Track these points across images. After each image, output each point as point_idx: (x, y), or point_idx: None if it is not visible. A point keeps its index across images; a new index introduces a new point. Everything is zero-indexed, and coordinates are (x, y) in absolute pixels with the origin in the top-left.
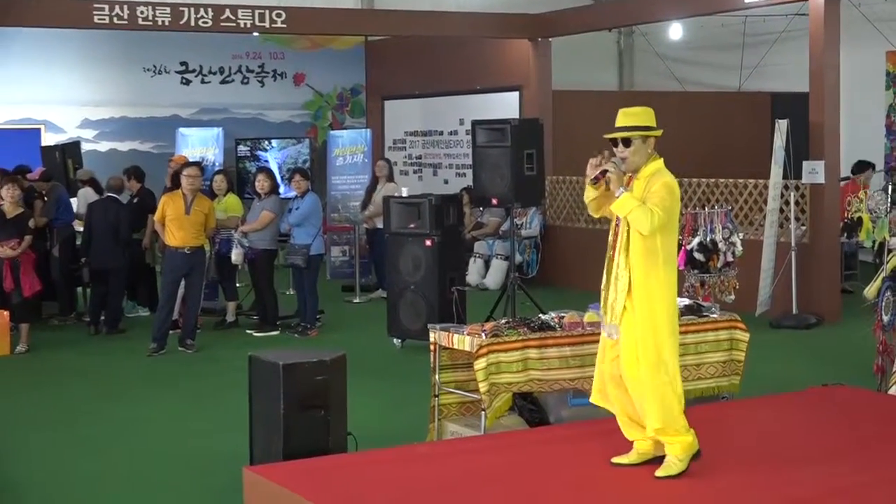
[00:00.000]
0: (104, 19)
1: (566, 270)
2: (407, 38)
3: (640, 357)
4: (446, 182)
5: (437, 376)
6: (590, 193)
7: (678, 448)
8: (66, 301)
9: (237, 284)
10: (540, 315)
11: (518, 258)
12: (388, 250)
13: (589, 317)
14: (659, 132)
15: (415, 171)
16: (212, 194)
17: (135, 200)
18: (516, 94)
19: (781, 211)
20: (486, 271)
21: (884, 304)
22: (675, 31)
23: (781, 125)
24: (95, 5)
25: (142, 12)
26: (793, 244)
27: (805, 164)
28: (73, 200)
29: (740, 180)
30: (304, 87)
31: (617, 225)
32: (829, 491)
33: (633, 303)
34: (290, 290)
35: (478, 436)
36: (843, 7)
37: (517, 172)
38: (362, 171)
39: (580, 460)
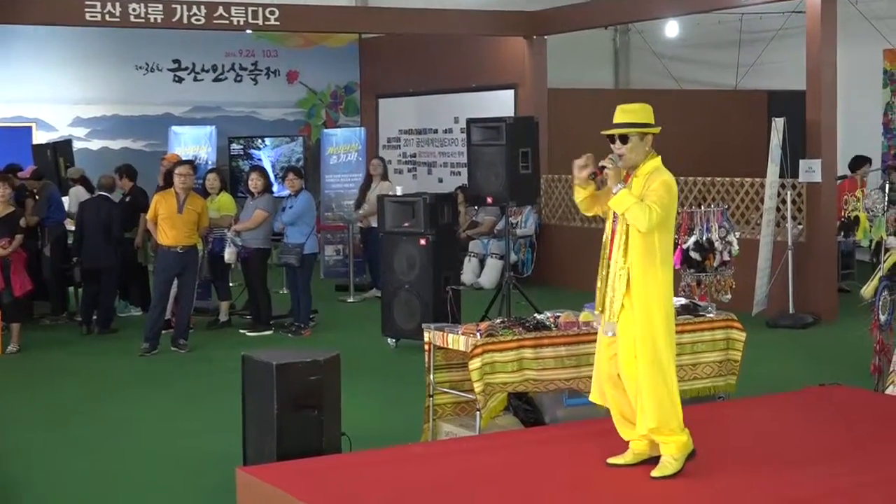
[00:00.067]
0: (96, 17)
1: (561, 270)
2: (401, 36)
3: (638, 355)
4: (441, 181)
5: (431, 376)
6: (579, 194)
7: (673, 448)
8: (57, 300)
9: (230, 284)
10: (535, 314)
11: (513, 257)
12: (383, 249)
13: (584, 316)
14: (657, 129)
15: (409, 170)
16: (205, 193)
17: (127, 199)
18: (511, 92)
19: (778, 210)
20: (480, 270)
21: (881, 303)
22: (672, 28)
23: (778, 123)
24: (87, 3)
25: (134, 10)
26: (789, 243)
27: (802, 162)
28: (65, 199)
29: (737, 179)
30: (297, 84)
31: (614, 222)
32: (826, 491)
33: (631, 301)
34: (283, 290)
35: (473, 436)
36: (841, 4)
37: (512, 171)
38: (356, 170)
39: (575, 461)
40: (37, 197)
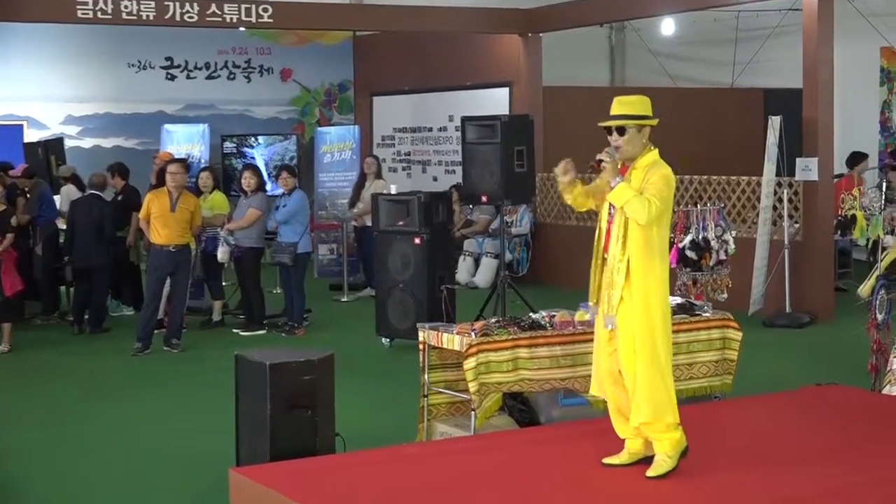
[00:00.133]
0: (88, 14)
1: (557, 269)
2: (396, 34)
3: (637, 349)
4: (435, 179)
5: (426, 376)
6: (566, 197)
7: (667, 445)
8: (49, 300)
9: (223, 283)
10: (530, 314)
11: (508, 256)
12: (377, 248)
13: (580, 315)
14: (654, 122)
15: (404, 168)
16: (197, 191)
17: (119, 198)
18: (506, 90)
19: (775, 208)
20: (475, 269)
21: (878, 302)
22: (668, 26)
23: (774, 122)
24: (79, 0)
25: (126, 7)
26: (786, 242)
27: (798, 161)
28: (56, 198)
29: (733, 177)
30: (291, 82)
31: (610, 214)
32: (822, 491)
33: (630, 293)
34: (276, 289)
35: (467, 436)
36: (837, 2)
37: (507, 169)
38: (350, 168)
39: (571, 461)
40: (28, 195)
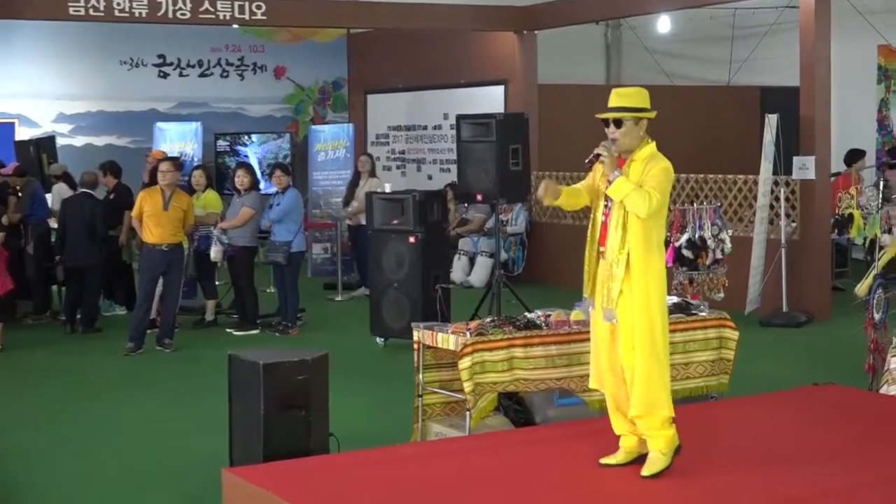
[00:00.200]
0: (80, 11)
1: (552, 268)
2: (390, 31)
3: (636, 342)
4: (430, 178)
5: (420, 376)
6: (555, 203)
7: (661, 442)
8: (40, 299)
9: (216, 282)
10: (526, 313)
11: (503, 255)
12: (371, 247)
13: (575, 315)
14: (652, 114)
15: (398, 167)
16: (190, 190)
17: (111, 196)
18: (501, 87)
19: (771, 207)
20: (470, 269)
21: (875, 301)
22: (664, 23)
23: (771, 120)
24: None
25: (118, 4)
26: (783, 241)
27: (795, 159)
28: (48, 196)
29: (729, 176)
30: (284, 80)
31: (606, 207)
32: (820, 491)
33: (630, 287)
34: (270, 288)
35: (463, 436)
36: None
37: (502, 168)
38: (344, 167)
39: (567, 461)
40: (20, 194)
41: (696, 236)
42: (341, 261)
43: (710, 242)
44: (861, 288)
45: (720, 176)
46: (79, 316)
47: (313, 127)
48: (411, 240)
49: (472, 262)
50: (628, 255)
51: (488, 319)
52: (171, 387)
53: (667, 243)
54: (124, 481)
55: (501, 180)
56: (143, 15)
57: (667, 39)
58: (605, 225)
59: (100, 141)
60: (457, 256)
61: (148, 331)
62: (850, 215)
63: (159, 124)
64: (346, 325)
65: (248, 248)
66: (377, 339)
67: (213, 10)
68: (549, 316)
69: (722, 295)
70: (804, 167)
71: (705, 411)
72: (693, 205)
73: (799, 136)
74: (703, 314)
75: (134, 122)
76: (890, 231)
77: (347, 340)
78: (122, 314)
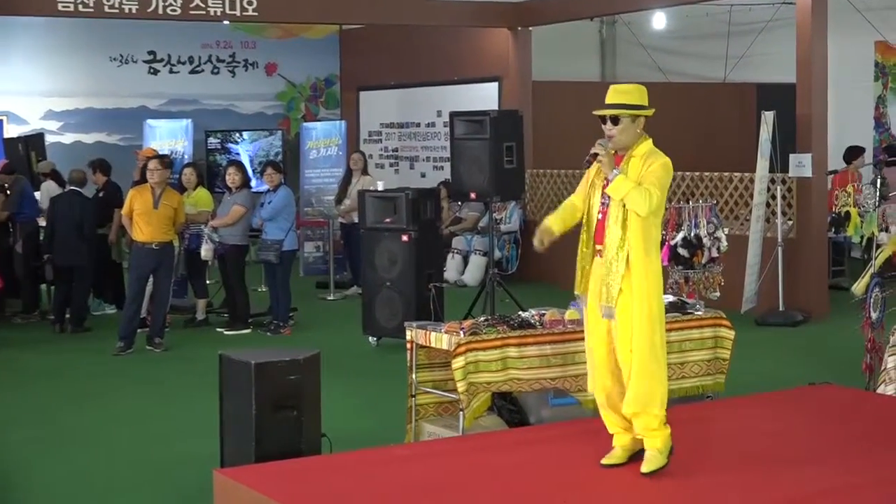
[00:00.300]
0: (69, 7)
1: (547, 266)
2: (383, 27)
3: (635, 341)
4: (423, 175)
5: (413, 376)
6: (556, 235)
7: (658, 441)
8: (29, 298)
9: (207, 281)
10: (520, 312)
11: (497, 254)
12: (364, 246)
13: (570, 314)
14: (650, 111)
15: (391, 165)
16: (181, 188)
17: (100, 194)
18: (495, 84)
19: (768, 205)
20: (464, 267)
21: (872, 300)
22: (659, 20)
23: (768, 117)
24: None
25: (108, 0)
26: (779, 239)
27: (792, 157)
28: (37, 194)
29: (725, 174)
30: (276, 77)
31: (603, 204)
32: (817, 491)
33: (630, 285)
34: (261, 287)
35: (456, 437)
36: None
37: (496, 165)
38: (336, 165)
39: (562, 461)
40: (8, 192)
41: (692, 234)
42: (333, 259)
43: (705, 241)
44: (858, 287)
45: (716, 173)
46: (68, 315)
47: (305, 124)
48: (404, 238)
49: (465, 260)
50: (628, 253)
51: (482, 318)
52: (161, 387)
53: (662, 242)
54: (114, 483)
55: (495, 178)
56: (133, 11)
57: (662, 36)
58: (601, 222)
59: (89, 138)
60: (450, 255)
61: (138, 330)
62: (847, 213)
63: (149, 121)
64: (338, 325)
65: (239, 247)
66: (370, 338)
67: (203, 5)
68: (544, 315)
69: (718, 294)
70: (801, 165)
71: (701, 411)
72: (689, 203)
73: (795, 133)
74: (699, 313)
75: (124, 119)
76: (887, 229)
77: (340, 340)
78: (111, 313)
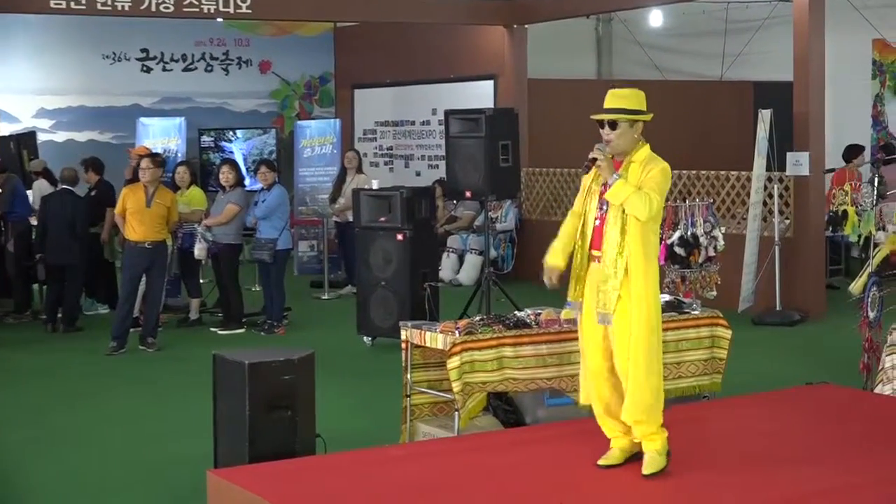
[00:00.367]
0: (61, 4)
1: (542, 266)
2: (378, 25)
3: (635, 348)
4: (418, 174)
5: (408, 375)
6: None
7: (658, 443)
8: (21, 298)
9: (201, 280)
10: (515, 312)
11: (493, 253)
12: (358, 245)
13: (566, 314)
14: (648, 116)
15: (386, 163)
16: (174, 187)
17: (93, 193)
18: (491, 82)
19: (765, 204)
20: (459, 267)
21: (870, 300)
22: (656, 17)
23: (765, 115)
24: None
25: None
26: (776, 238)
27: (789, 155)
28: (29, 192)
29: (722, 172)
30: (270, 75)
31: (601, 209)
32: (814, 491)
33: (629, 292)
34: (255, 287)
35: (451, 437)
36: None
37: (492, 164)
38: (331, 163)
39: (558, 461)
40: (0, 190)
41: (689, 233)
42: (328, 258)
43: (702, 240)
44: (855, 286)
45: (713, 172)
46: (60, 315)
47: (299, 122)
48: (399, 237)
49: (461, 259)
50: (627, 259)
51: (477, 318)
52: (154, 387)
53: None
54: (107, 483)
55: (491, 177)
56: (126, 8)
57: (659, 34)
58: (598, 229)
59: (81, 137)
60: (445, 254)
61: (131, 330)
62: (845, 212)
63: (142, 120)
64: (332, 324)
65: (232, 246)
66: (364, 338)
67: (197, 3)
68: (540, 314)
69: (714, 293)
70: (798, 163)
71: (697, 411)
72: (685, 201)
73: (793, 131)
74: (696, 313)
75: (116, 117)
76: (884, 228)
77: (334, 340)
78: (104, 313)
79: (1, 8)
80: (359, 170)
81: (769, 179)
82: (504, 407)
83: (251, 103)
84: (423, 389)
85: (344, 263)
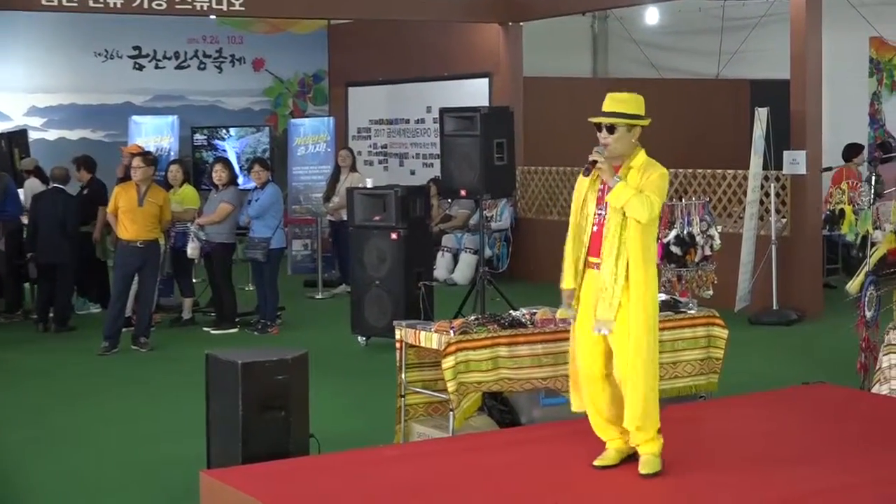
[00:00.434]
0: (52, 1)
1: (538, 265)
2: (372, 22)
3: (636, 354)
4: (413, 173)
5: (403, 375)
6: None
7: (656, 446)
8: (12, 297)
9: (193, 280)
10: (510, 311)
11: (488, 252)
12: (352, 244)
13: (561, 313)
14: (646, 122)
15: (380, 161)
16: (167, 185)
17: (85, 192)
18: (486, 80)
19: (761, 203)
20: (454, 266)
21: (867, 299)
22: (652, 15)
23: (761, 113)
24: None
25: None
26: (773, 237)
27: (786, 154)
28: (20, 191)
29: (718, 171)
30: (263, 72)
31: (598, 215)
32: (811, 492)
33: (629, 298)
34: (249, 286)
35: (446, 437)
36: None
37: (487, 162)
38: (325, 161)
39: (553, 462)
40: None
41: (685, 232)
42: (322, 258)
43: (698, 239)
44: (852, 285)
45: (709, 171)
46: (51, 314)
47: (293, 120)
48: (393, 236)
49: (455, 258)
50: (627, 265)
51: (472, 318)
52: (147, 387)
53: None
54: (99, 484)
55: (486, 175)
56: (118, 5)
57: (655, 31)
58: (596, 235)
59: (73, 135)
60: (440, 253)
61: (123, 330)
62: (842, 211)
63: (135, 118)
64: (326, 324)
65: (226, 245)
66: (359, 337)
67: (189, 0)
68: (535, 314)
69: (711, 292)
70: (795, 162)
71: (694, 411)
72: (682, 200)
73: (790, 130)
74: (692, 312)
75: (108, 115)
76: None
77: (328, 339)
78: (96, 312)
79: None
80: (353, 168)
81: (766, 178)
82: (499, 407)
83: (244, 101)
84: (418, 389)
85: (338, 262)
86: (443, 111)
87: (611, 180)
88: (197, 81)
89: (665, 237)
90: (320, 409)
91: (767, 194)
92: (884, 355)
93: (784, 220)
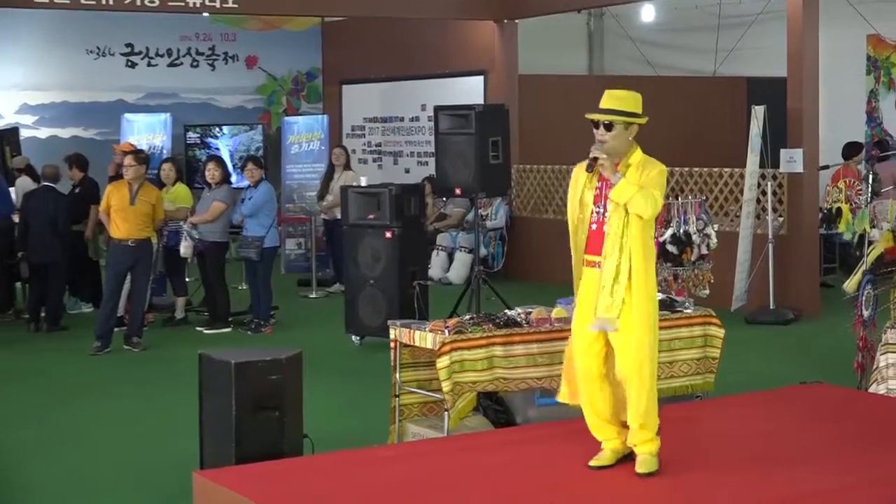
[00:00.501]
0: None
1: (533, 264)
2: (366, 20)
3: (639, 353)
4: (407, 171)
5: (397, 375)
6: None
7: (654, 446)
8: (3, 297)
9: (186, 279)
10: (506, 311)
11: (483, 251)
12: (347, 243)
13: (557, 312)
14: (644, 120)
15: (374, 160)
16: (160, 184)
17: (76, 190)
18: (481, 78)
19: (758, 201)
20: (449, 265)
21: (864, 298)
22: (648, 12)
23: (758, 111)
24: None
25: None
26: (770, 236)
27: (783, 152)
28: (11, 190)
29: (715, 169)
30: (256, 70)
31: (597, 214)
32: (808, 492)
33: (632, 296)
34: (242, 285)
35: (441, 437)
36: None
37: (482, 161)
38: (318, 160)
39: (549, 462)
40: None
41: (681, 231)
42: (316, 256)
43: (695, 237)
44: (850, 284)
45: (705, 169)
46: (43, 314)
47: (286, 118)
48: (388, 235)
49: (450, 257)
50: (630, 263)
51: (467, 317)
52: (139, 387)
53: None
54: (93, 484)
55: (481, 173)
56: (111, 3)
57: (651, 29)
58: (594, 233)
59: (65, 133)
60: (435, 252)
61: (115, 329)
62: (839, 209)
63: (127, 116)
64: (320, 323)
65: (219, 244)
66: (353, 337)
67: None
68: (530, 313)
69: (707, 291)
70: (792, 160)
71: (690, 411)
72: (678, 199)
73: (786, 128)
74: (688, 311)
75: (101, 113)
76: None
77: (322, 339)
78: (88, 312)
79: None
80: (347, 166)
81: (762, 176)
82: (494, 407)
83: (237, 99)
84: (413, 389)
85: (332, 261)
86: (437, 109)
87: (613, 177)
88: (190, 79)
89: (661, 236)
90: (314, 409)
91: (764, 193)
92: (881, 354)
93: (781, 219)
